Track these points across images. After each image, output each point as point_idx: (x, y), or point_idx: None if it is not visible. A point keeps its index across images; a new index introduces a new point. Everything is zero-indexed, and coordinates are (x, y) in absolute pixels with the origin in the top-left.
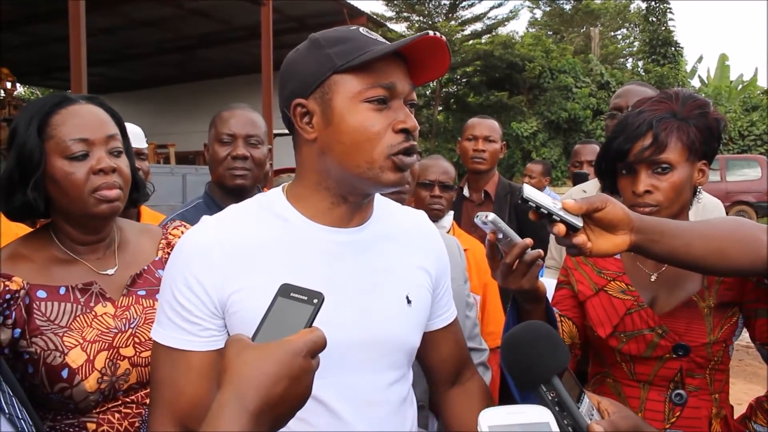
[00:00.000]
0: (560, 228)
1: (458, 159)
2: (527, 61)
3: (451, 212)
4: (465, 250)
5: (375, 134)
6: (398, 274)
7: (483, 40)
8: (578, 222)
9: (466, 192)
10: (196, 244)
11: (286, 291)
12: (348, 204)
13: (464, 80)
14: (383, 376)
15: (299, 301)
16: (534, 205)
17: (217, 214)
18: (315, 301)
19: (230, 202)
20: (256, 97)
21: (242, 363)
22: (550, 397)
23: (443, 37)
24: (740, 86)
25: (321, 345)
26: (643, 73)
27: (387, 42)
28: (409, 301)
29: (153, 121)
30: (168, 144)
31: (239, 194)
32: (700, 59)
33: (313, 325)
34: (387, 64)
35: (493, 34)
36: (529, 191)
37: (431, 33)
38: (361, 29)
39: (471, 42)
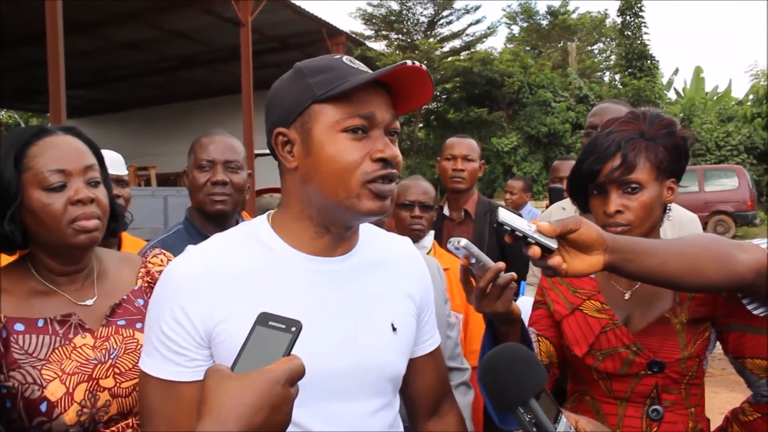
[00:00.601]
0: (535, 250)
1: (439, 177)
2: (506, 77)
3: (432, 232)
4: (445, 269)
5: (352, 163)
6: (383, 302)
7: (462, 57)
8: (553, 244)
9: (446, 211)
10: (182, 275)
11: (264, 320)
12: (331, 234)
13: (444, 97)
14: (369, 404)
15: (278, 329)
16: (509, 228)
17: (203, 244)
18: (293, 329)
19: (211, 228)
20: (237, 117)
21: (222, 393)
22: (527, 419)
23: (423, 66)
24: (715, 97)
25: (300, 373)
26: (621, 87)
27: (369, 71)
28: (394, 329)
29: (134, 143)
30: (149, 166)
31: (220, 220)
32: (676, 71)
33: (293, 353)
34: (367, 93)
35: (472, 50)
36: (504, 215)
37: (409, 63)
38: (345, 58)
39: (450, 59)
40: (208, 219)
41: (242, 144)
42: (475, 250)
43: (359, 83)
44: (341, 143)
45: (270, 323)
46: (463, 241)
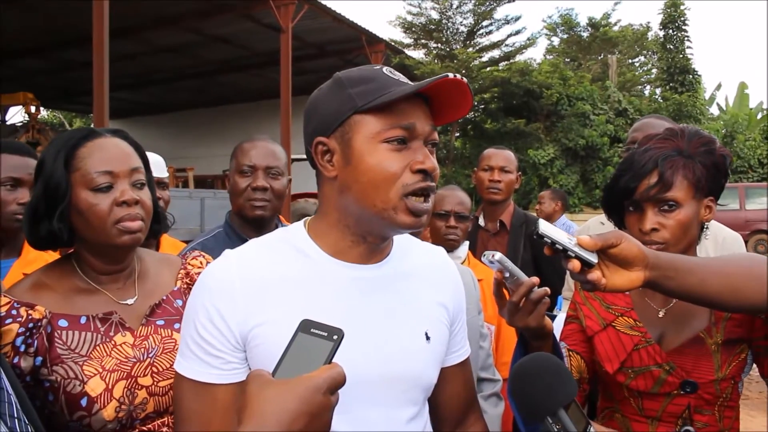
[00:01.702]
0: (575, 264)
1: (474, 187)
2: (545, 88)
3: (467, 242)
4: (479, 280)
5: (392, 174)
6: (417, 310)
7: (500, 67)
8: (593, 258)
9: (481, 222)
10: (219, 279)
11: (306, 327)
12: (367, 244)
13: (482, 107)
14: (402, 412)
15: (319, 337)
16: (549, 241)
17: (239, 249)
18: (335, 337)
19: (250, 232)
20: (274, 122)
21: (263, 399)
22: (556, 429)
23: (464, 79)
24: (760, 114)
25: (341, 382)
26: (661, 101)
27: (409, 82)
28: (428, 338)
29: (172, 145)
30: (187, 168)
31: (259, 225)
32: (719, 87)
33: (333, 361)
34: (407, 104)
35: (511, 61)
36: (544, 227)
37: (451, 75)
38: (385, 69)
39: (488, 69)
40: (248, 223)
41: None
42: (509, 264)
43: (401, 95)
44: (382, 154)
45: (312, 330)
46: (498, 255)
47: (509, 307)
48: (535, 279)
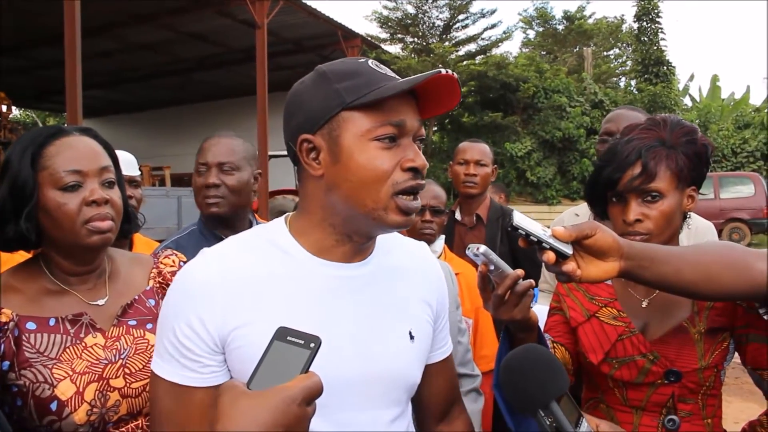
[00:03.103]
0: (550, 255)
1: (451, 181)
2: (521, 82)
3: (443, 237)
4: (457, 274)
5: (383, 173)
6: (401, 308)
7: (477, 61)
8: (568, 249)
9: (458, 215)
10: (197, 280)
11: (282, 335)
12: (352, 243)
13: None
14: (385, 413)
15: (296, 345)
16: (524, 233)
17: (217, 247)
18: (312, 345)
19: (223, 229)
20: (251, 118)
21: (236, 412)
22: (548, 423)
23: (455, 75)
24: (732, 104)
25: (317, 392)
26: (636, 92)
27: (396, 77)
28: (411, 337)
29: (148, 144)
30: (164, 166)
31: (228, 222)
32: (692, 78)
33: (311, 369)
34: (397, 101)
35: (487, 54)
36: (518, 219)
37: (444, 71)
38: (370, 62)
39: (465, 63)
40: (218, 221)
41: (249, 145)
42: (493, 256)
43: (395, 92)
44: (372, 152)
45: (288, 338)
46: (482, 248)
47: (494, 300)
48: (520, 271)
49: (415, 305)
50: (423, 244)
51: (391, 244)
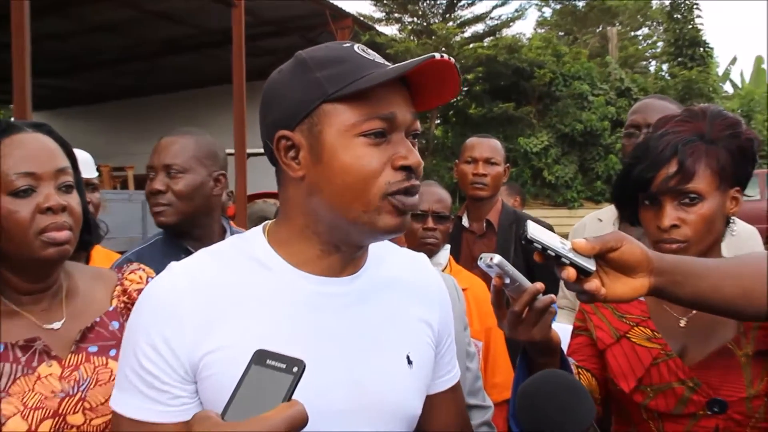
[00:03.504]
0: (570, 272)
1: (457, 182)
2: (536, 67)
3: (448, 246)
4: (464, 289)
5: (371, 172)
6: (398, 329)
7: (485, 44)
8: (590, 265)
9: (465, 222)
10: (163, 298)
11: (261, 358)
12: (340, 253)
13: (465, 89)
14: None
15: (277, 369)
16: (539, 246)
17: (186, 261)
18: (295, 369)
19: (189, 240)
20: (227, 110)
21: None
22: None
23: (452, 60)
24: None
25: (302, 421)
26: (668, 78)
27: (385, 62)
28: (410, 362)
29: (109, 140)
30: (126, 166)
31: (187, 232)
32: (734, 61)
33: (294, 397)
34: (386, 90)
35: (497, 36)
36: (533, 230)
37: (438, 55)
38: (356, 47)
39: (472, 46)
40: (179, 231)
41: (209, 142)
42: (509, 268)
43: (382, 80)
44: (359, 149)
45: (268, 362)
46: (497, 258)
47: (510, 318)
48: (540, 285)
49: (413, 325)
50: (422, 255)
51: (385, 256)
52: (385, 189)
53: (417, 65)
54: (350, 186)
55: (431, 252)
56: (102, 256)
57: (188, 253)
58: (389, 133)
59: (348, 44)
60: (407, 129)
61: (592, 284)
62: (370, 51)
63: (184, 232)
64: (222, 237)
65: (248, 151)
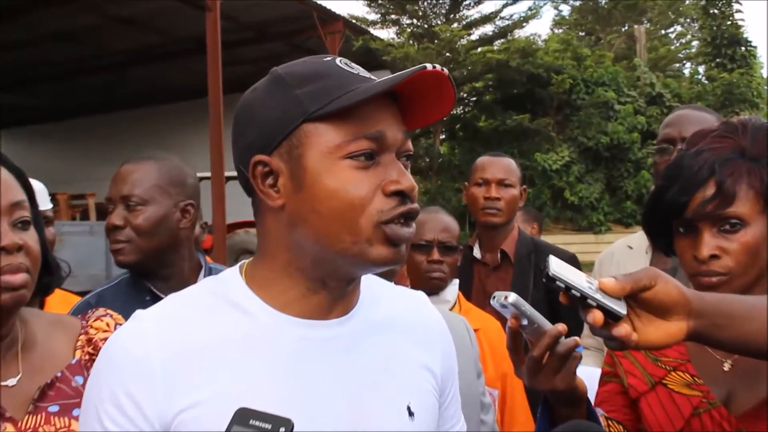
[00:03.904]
0: (596, 316)
1: (466, 206)
2: (554, 72)
3: (456, 281)
4: (476, 330)
5: (360, 199)
6: (396, 376)
7: (495, 47)
8: (620, 308)
9: (476, 252)
10: (129, 351)
11: (243, 418)
12: (327, 290)
13: (473, 99)
14: None
15: (261, 430)
16: (563, 286)
17: (155, 308)
18: (282, 430)
19: (156, 281)
20: (202, 127)
21: None
22: None
23: (444, 70)
24: None
25: None
26: (706, 82)
27: (371, 77)
28: (411, 413)
29: (67, 164)
30: (87, 193)
31: (152, 272)
32: None
33: None
34: (373, 107)
35: (508, 38)
36: (556, 266)
37: (429, 66)
38: (338, 60)
39: (480, 50)
40: (142, 271)
41: (176, 168)
42: (527, 308)
43: (367, 96)
44: (345, 173)
45: (251, 422)
46: (512, 296)
47: (529, 364)
48: (562, 326)
49: (413, 372)
50: (420, 293)
51: (379, 294)
52: (377, 217)
53: (406, 78)
54: (337, 214)
55: (438, 288)
56: (59, 299)
57: (153, 295)
58: (378, 154)
59: (329, 58)
60: (398, 149)
61: (622, 330)
62: (353, 65)
63: (150, 272)
64: (196, 275)
65: (227, 174)
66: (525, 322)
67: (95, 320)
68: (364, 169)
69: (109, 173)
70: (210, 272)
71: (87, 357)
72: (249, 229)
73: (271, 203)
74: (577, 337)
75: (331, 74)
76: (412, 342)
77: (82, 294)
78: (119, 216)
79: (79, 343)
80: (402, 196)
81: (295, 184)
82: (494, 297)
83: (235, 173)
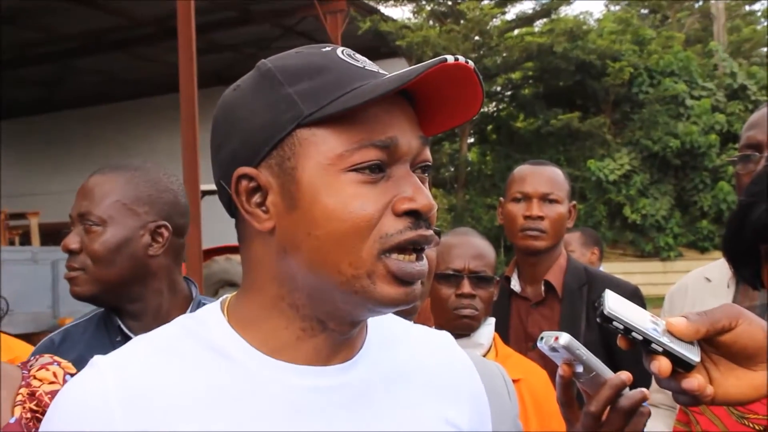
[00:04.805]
0: (663, 365)
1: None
2: (609, 60)
3: (492, 320)
4: (515, 381)
5: (365, 220)
6: None
7: (536, 29)
8: (693, 355)
9: (515, 284)
10: (83, 408)
11: None
12: (327, 333)
13: (508, 94)
14: None
15: None
16: (621, 327)
17: (117, 354)
18: None
19: (126, 318)
20: (172, 129)
21: None
22: None
23: (470, 63)
24: None
25: None
26: None
27: (380, 71)
28: None
29: (4, 175)
30: (28, 212)
31: (110, 306)
32: None
33: None
34: (383, 108)
35: (552, 18)
36: (613, 303)
37: (451, 59)
38: (340, 51)
39: (517, 32)
40: (111, 306)
41: (145, 179)
42: (583, 351)
43: (378, 95)
44: (347, 189)
45: None
46: (564, 337)
47: (586, 421)
48: (626, 375)
49: (434, 428)
50: (445, 333)
51: (393, 334)
52: (380, 244)
53: (423, 73)
54: (337, 240)
55: (468, 328)
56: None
57: (125, 336)
58: (389, 165)
59: (328, 48)
60: (414, 160)
61: (695, 381)
62: (359, 56)
63: (115, 308)
64: (182, 311)
65: (203, 187)
66: (580, 369)
67: (39, 369)
68: (371, 183)
69: (55, 186)
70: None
71: (29, 415)
72: (230, 256)
73: (258, 226)
74: (644, 389)
75: (332, 68)
76: (434, 394)
77: (25, 338)
78: (75, 238)
79: (19, 397)
80: (416, 216)
81: (288, 203)
82: (542, 338)
83: (212, 187)
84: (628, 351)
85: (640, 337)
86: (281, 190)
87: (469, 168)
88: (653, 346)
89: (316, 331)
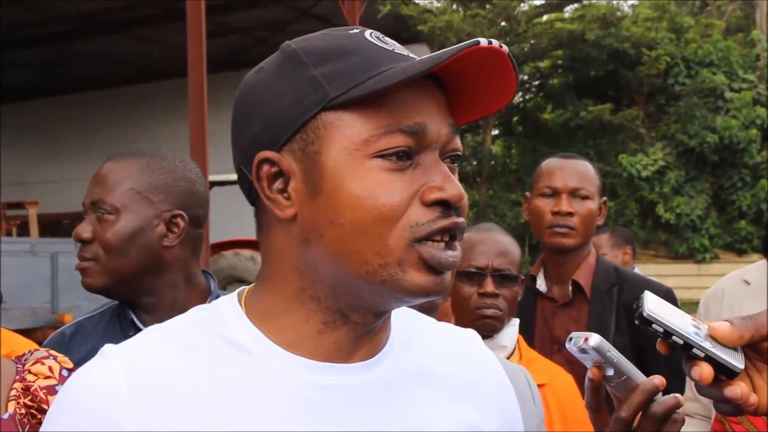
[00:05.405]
0: (704, 371)
1: (527, 224)
2: (644, 49)
3: (516, 321)
4: (540, 386)
5: (392, 209)
6: None
7: (566, 14)
8: (736, 362)
9: (541, 284)
10: (90, 402)
11: None
12: (350, 326)
13: (536, 84)
14: None
15: None
16: (661, 330)
17: (128, 344)
18: None
19: (139, 312)
20: (179, 116)
21: None
22: None
23: (504, 47)
24: None
25: None
26: None
27: (410, 55)
28: None
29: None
30: (26, 202)
31: (132, 300)
32: None
33: None
34: (413, 93)
35: (584, 3)
36: (653, 305)
37: (483, 42)
38: (368, 33)
39: (546, 18)
40: (124, 298)
41: (161, 167)
42: (614, 353)
43: (406, 77)
44: (373, 176)
45: None
46: (594, 338)
47: (617, 426)
48: (659, 379)
49: (458, 429)
50: (471, 332)
51: (417, 333)
52: (411, 233)
53: (455, 56)
54: (362, 228)
55: (491, 329)
56: None
57: (137, 329)
58: (417, 153)
59: (356, 30)
60: (443, 148)
61: (738, 389)
62: (387, 39)
63: (128, 300)
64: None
65: (211, 178)
66: (610, 372)
67: (34, 364)
68: (398, 171)
69: (54, 174)
70: None
71: (23, 411)
72: (239, 251)
73: (279, 213)
74: (678, 395)
75: (359, 50)
76: (458, 395)
77: (22, 333)
78: (87, 227)
79: (13, 392)
80: (446, 206)
81: (310, 189)
82: (570, 339)
83: (221, 177)
84: (661, 357)
85: (681, 342)
86: (304, 176)
87: (492, 161)
88: (695, 351)
89: (339, 324)
